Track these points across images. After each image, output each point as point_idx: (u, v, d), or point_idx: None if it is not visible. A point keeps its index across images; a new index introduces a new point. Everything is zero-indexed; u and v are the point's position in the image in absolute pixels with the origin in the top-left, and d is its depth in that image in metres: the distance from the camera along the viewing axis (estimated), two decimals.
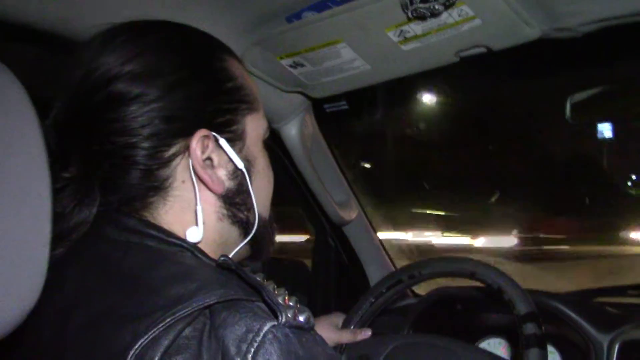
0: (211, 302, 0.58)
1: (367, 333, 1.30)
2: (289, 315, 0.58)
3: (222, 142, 0.73)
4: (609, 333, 1.24)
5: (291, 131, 1.45)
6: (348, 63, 1.16)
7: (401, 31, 1.04)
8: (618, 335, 1.22)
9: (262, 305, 0.60)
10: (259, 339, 0.55)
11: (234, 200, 0.76)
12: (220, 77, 0.75)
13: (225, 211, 0.76)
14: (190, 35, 0.77)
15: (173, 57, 0.72)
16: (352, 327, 1.33)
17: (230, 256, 0.77)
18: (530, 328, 1.07)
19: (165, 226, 0.71)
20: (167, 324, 0.56)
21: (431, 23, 1.00)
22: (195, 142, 0.71)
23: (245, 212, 0.78)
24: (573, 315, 1.28)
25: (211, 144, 0.73)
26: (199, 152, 0.71)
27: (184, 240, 0.70)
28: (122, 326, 0.57)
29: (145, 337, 0.55)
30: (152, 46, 0.71)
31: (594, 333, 1.25)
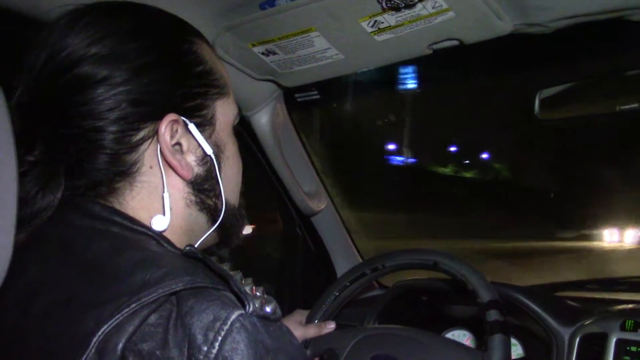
0: (178, 289, 0.57)
1: (331, 326, 1.30)
2: (257, 305, 0.58)
3: (192, 127, 0.72)
4: (571, 326, 1.26)
5: (262, 119, 1.44)
6: (321, 52, 1.15)
7: (375, 22, 1.03)
8: (579, 328, 1.25)
9: (230, 294, 0.60)
10: (226, 327, 0.55)
11: (203, 187, 0.75)
12: (189, 60, 0.74)
13: (193, 197, 0.75)
14: (159, 17, 0.76)
15: (141, 39, 0.70)
16: (316, 321, 1.32)
17: (198, 243, 0.77)
18: (493, 315, 1.09)
19: (131, 212, 0.70)
20: (132, 310, 0.55)
21: (405, 14, 1.00)
22: (164, 127, 0.69)
23: (214, 199, 0.77)
24: (536, 307, 1.30)
25: (180, 129, 0.71)
26: (167, 137, 0.70)
27: (149, 228, 0.69)
28: (86, 312, 0.56)
29: (109, 323, 0.54)
30: (119, 28, 0.70)
31: (556, 326, 1.27)
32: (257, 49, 1.18)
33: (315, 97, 1.45)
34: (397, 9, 0.98)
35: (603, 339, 1.20)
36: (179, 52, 0.73)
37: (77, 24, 0.68)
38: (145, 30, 0.72)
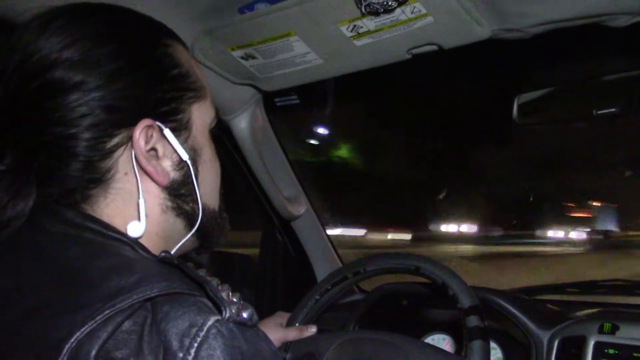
0: (153, 295, 0.56)
1: (312, 330, 1.29)
2: (233, 311, 0.57)
3: (167, 132, 0.71)
4: (549, 329, 1.27)
5: (241, 124, 1.43)
6: (300, 57, 1.15)
7: (354, 26, 1.03)
8: (558, 331, 1.26)
9: (206, 300, 0.59)
10: (202, 333, 0.54)
11: (180, 192, 0.74)
12: (164, 63, 0.72)
13: (169, 203, 0.74)
14: (133, 19, 0.74)
15: (114, 43, 0.69)
16: (297, 324, 1.32)
17: (176, 249, 0.76)
18: (473, 321, 1.09)
19: (106, 219, 0.69)
20: (106, 317, 0.54)
21: (384, 19, 1.00)
22: (139, 133, 0.68)
23: (191, 204, 0.76)
24: (515, 311, 1.31)
25: (155, 134, 0.70)
26: (142, 143, 0.69)
27: (124, 234, 0.68)
28: (59, 319, 0.55)
29: (82, 329, 0.53)
30: (92, 31, 0.68)
31: (534, 329, 1.28)
32: (236, 53, 1.18)
33: (294, 101, 1.45)
34: (376, 13, 0.98)
35: (581, 341, 1.21)
36: (154, 55, 0.72)
37: (49, 27, 0.67)
38: (119, 33, 0.70)
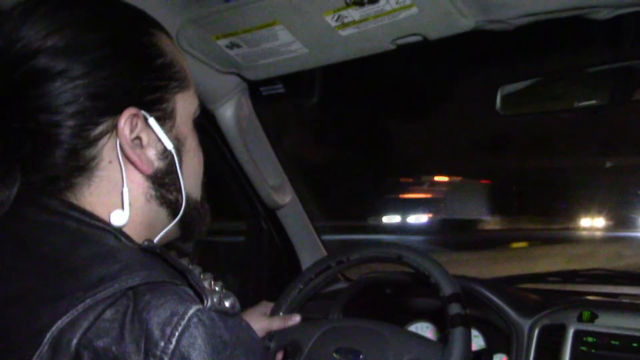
0: (134, 284, 0.56)
1: (296, 318, 1.30)
2: (215, 300, 0.58)
3: (151, 121, 0.71)
4: (530, 317, 1.29)
5: (226, 112, 1.43)
6: (285, 46, 1.15)
7: (339, 16, 1.04)
8: (538, 319, 1.28)
9: (188, 289, 0.59)
10: (183, 322, 0.54)
11: (163, 181, 0.74)
12: (149, 53, 0.72)
13: (153, 192, 0.74)
14: (118, 8, 0.74)
15: (99, 31, 0.68)
16: (281, 313, 1.33)
17: (158, 237, 0.76)
18: (454, 308, 1.11)
19: (89, 207, 0.69)
20: (87, 305, 0.54)
21: (369, 9, 1.00)
22: (124, 121, 0.68)
23: (175, 193, 0.76)
24: (497, 300, 1.33)
25: (140, 123, 0.70)
26: (127, 132, 0.69)
27: (107, 223, 0.68)
28: (41, 307, 0.55)
29: (63, 318, 0.53)
30: (77, 19, 0.68)
31: (516, 317, 1.30)
32: (221, 42, 1.18)
33: (280, 90, 1.44)
34: (361, 3, 0.99)
35: (561, 330, 1.23)
36: (139, 44, 0.72)
37: (33, 14, 0.66)
38: (104, 21, 0.70)
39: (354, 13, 1.02)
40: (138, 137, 0.71)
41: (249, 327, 0.62)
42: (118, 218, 0.69)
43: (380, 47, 1.13)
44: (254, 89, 1.48)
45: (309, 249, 1.81)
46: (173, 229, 0.79)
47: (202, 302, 0.57)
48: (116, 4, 0.74)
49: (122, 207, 0.70)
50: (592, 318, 1.20)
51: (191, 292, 0.59)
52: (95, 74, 0.66)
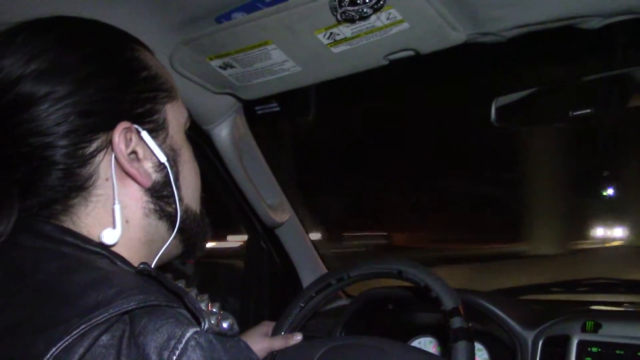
0: (130, 308, 0.56)
1: (298, 337, 1.28)
2: (212, 322, 0.57)
3: (144, 134, 0.71)
4: (533, 329, 1.28)
5: (222, 133, 1.43)
6: (278, 65, 1.15)
7: (331, 33, 1.04)
8: (542, 331, 1.27)
9: (184, 312, 0.59)
10: (181, 345, 0.54)
11: (162, 193, 0.74)
12: (134, 66, 0.73)
13: (152, 205, 0.73)
14: (98, 27, 0.75)
15: (81, 49, 0.69)
16: (282, 332, 1.32)
17: (160, 254, 0.75)
18: (456, 322, 1.10)
19: (85, 230, 0.68)
20: (82, 331, 0.53)
21: (360, 26, 1.01)
22: (118, 136, 0.68)
23: (174, 205, 0.76)
24: (499, 312, 1.32)
25: (134, 137, 0.70)
26: (122, 146, 0.69)
27: (103, 247, 0.67)
28: (36, 335, 0.55)
29: (58, 345, 0.53)
30: (57, 40, 0.68)
31: (519, 329, 1.29)
32: (215, 63, 1.18)
33: (275, 109, 1.45)
34: (351, 20, 0.99)
35: (565, 340, 1.22)
36: (123, 58, 0.72)
37: (13, 42, 0.66)
38: (86, 40, 0.71)
39: (345, 30, 1.03)
40: (134, 151, 0.71)
41: (247, 348, 0.61)
42: (110, 236, 0.69)
43: (373, 63, 1.13)
44: (249, 108, 1.48)
45: (309, 267, 1.80)
46: (174, 244, 0.78)
47: (199, 324, 0.57)
48: (94, 24, 0.75)
49: (114, 226, 0.69)
50: (596, 328, 1.19)
51: (188, 315, 0.58)
52: (82, 91, 0.67)
